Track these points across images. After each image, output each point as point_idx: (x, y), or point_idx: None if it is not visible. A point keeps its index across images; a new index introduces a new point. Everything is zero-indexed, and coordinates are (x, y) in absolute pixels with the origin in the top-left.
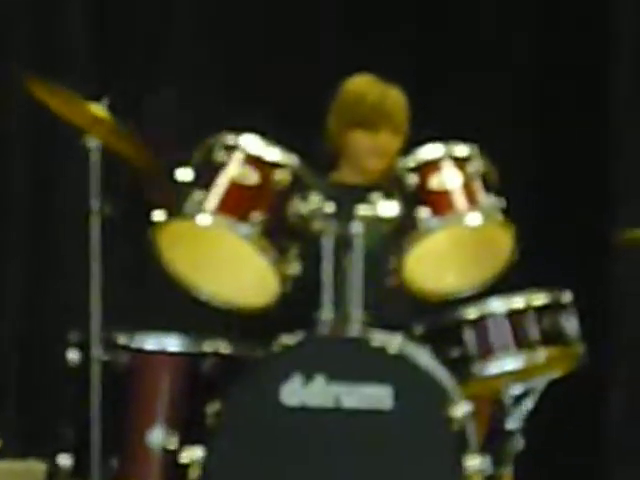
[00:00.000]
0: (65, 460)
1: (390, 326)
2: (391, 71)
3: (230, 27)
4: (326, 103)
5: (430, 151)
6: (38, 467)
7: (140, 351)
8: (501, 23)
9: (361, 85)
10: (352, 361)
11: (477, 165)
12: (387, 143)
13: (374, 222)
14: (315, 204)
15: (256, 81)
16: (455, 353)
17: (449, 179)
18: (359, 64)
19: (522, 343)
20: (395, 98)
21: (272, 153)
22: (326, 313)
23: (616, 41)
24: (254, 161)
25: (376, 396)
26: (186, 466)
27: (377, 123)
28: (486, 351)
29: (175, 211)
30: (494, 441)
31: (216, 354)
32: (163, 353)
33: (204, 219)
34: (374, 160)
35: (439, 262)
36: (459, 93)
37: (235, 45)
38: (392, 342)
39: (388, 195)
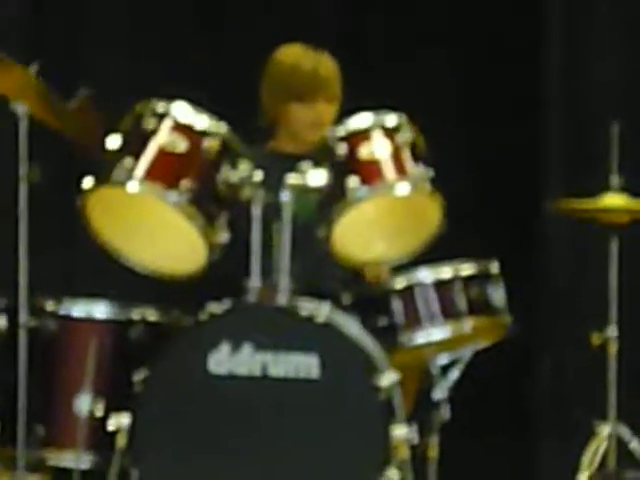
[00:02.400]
0: None
1: (318, 295)
2: (320, 42)
3: None
4: (257, 73)
5: (360, 120)
6: None
7: (67, 318)
8: None
9: (293, 56)
10: (280, 330)
11: (406, 135)
12: (324, 113)
13: (303, 191)
14: (244, 172)
15: (188, 49)
16: (383, 322)
17: (378, 149)
18: (287, 34)
19: (449, 313)
20: (328, 66)
21: (201, 121)
22: (254, 281)
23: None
24: (183, 129)
25: (303, 365)
26: (113, 433)
27: (313, 94)
28: (413, 321)
29: (104, 178)
30: (421, 411)
31: (144, 322)
32: (90, 320)
33: (133, 186)
34: (313, 132)
35: (368, 231)
36: (388, 63)
37: (168, 13)
38: (320, 311)
39: (318, 164)
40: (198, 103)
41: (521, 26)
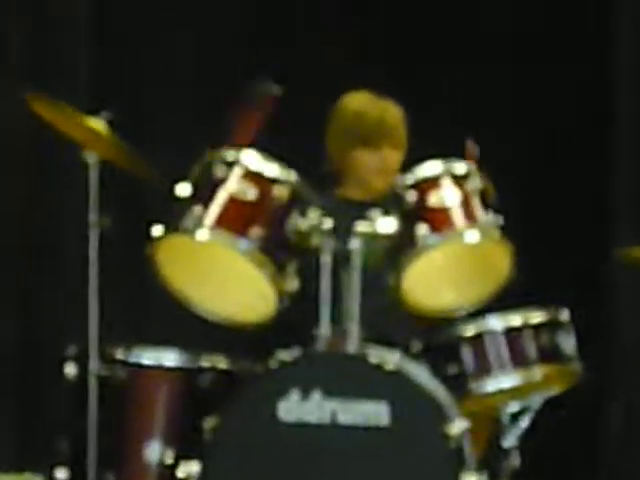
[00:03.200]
0: (62, 474)
1: (388, 342)
2: (387, 90)
3: (222, 40)
4: (323, 119)
5: (429, 168)
6: None
7: (137, 366)
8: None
9: (359, 102)
10: (349, 377)
11: (475, 182)
12: (390, 160)
13: (372, 238)
14: (313, 220)
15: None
16: (452, 370)
17: (448, 196)
18: (353, 82)
19: (519, 361)
20: (394, 113)
21: (271, 169)
22: (324, 329)
23: (617, 57)
24: (253, 177)
25: (373, 412)
26: None
27: (379, 141)
28: (483, 368)
29: (174, 226)
30: (491, 458)
31: (213, 369)
32: (160, 368)
33: (203, 234)
34: (379, 178)
35: (437, 279)
36: (458, 108)
37: (229, 63)
38: (389, 359)
39: (387, 212)
40: (266, 150)
41: (590, 78)
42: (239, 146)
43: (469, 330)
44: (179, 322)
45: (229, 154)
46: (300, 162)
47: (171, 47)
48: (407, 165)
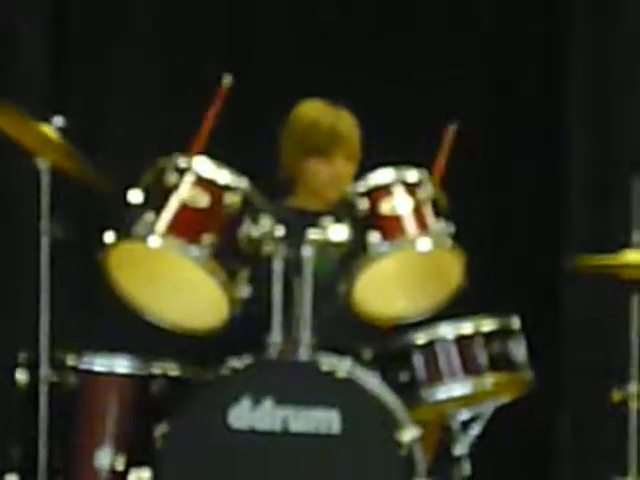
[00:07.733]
0: None
1: (339, 350)
2: (336, 92)
3: (187, 46)
4: (279, 126)
5: (381, 176)
6: None
7: (88, 372)
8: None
9: (313, 111)
10: (301, 385)
11: (427, 190)
12: (343, 170)
13: (324, 246)
14: (265, 227)
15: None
16: (404, 378)
17: (400, 204)
18: (309, 89)
19: (470, 369)
20: (347, 123)
21: (223, 176)
22: (275, 337)
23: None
24: (205, 184)
25: (324, 420)
26: None
27: (332, 150)
28: (434, 376)
29: (125, 232)
30: (441, 466)
31: (165, 376)
32: (111, 374)
33: (154, 241)
34: (331, 189)
35: (389, 287)
36: (408, 115)
37: (192, 64)
38: (341, 366)
39: (339, 219)
40: (218, 158)
41: (543, 81)
42: (199, 145)
43: (420, 338)
44: (131, 329)
45: (181, 161)
46: (255, 170)
47: (131, 54)
48: (359, 173)
